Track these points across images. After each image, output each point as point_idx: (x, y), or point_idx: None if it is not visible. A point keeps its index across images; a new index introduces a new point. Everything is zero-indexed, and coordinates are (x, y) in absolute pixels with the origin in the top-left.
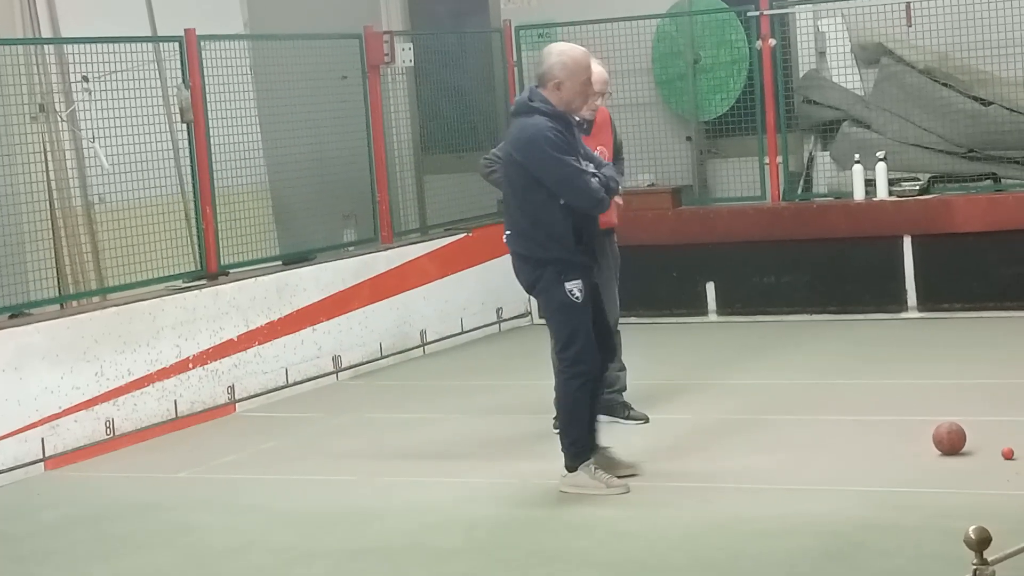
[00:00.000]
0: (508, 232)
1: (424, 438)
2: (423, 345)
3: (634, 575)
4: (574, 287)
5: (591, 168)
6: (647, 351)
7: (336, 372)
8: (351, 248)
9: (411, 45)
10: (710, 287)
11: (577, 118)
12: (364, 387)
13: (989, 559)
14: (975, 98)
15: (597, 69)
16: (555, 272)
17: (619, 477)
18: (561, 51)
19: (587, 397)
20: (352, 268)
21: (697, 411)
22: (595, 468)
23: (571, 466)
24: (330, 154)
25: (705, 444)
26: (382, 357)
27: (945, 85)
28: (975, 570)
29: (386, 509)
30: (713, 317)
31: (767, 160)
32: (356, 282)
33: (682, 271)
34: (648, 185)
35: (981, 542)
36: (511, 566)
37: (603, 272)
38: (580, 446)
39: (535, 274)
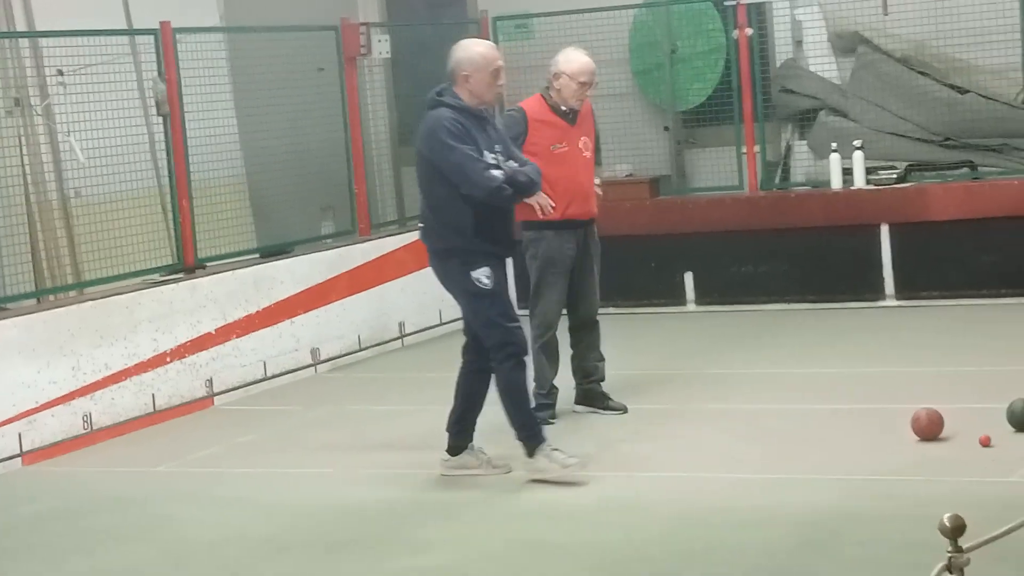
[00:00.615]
0: (421, 226)
1: (403, 430)
2: (401, 337)
3: (612, 566)
4: (480, 275)
5: (497, 160)
6: (626, 341)
7: (314, 365)
8: (329, 240)
9: (388, 36)
10: (688, 277)
11: (564, 108)
12: (343, 379)
13: (964, 547)
14: (952, 86)
15: (584, 60)
16: (459, 263)
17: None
18: (467, 46)
19: (521, 380)
20: (330, 260)
21: (675, 401)
22: (551, 450)
23: (530, 452)
24: (307, 146)
25: (683, 434)
26: (360, 349)
27: (922, 73)
28: (950, 558)
29: (365, 501)
30: (691, 307)
31: (745, 150)
32: (334, 274)
33: (660, 261)
34: (626, 175)
35: (956, 530)
36: (492, 557)
37: (583, 263)
38: (530, 430)
39: (443, 267)
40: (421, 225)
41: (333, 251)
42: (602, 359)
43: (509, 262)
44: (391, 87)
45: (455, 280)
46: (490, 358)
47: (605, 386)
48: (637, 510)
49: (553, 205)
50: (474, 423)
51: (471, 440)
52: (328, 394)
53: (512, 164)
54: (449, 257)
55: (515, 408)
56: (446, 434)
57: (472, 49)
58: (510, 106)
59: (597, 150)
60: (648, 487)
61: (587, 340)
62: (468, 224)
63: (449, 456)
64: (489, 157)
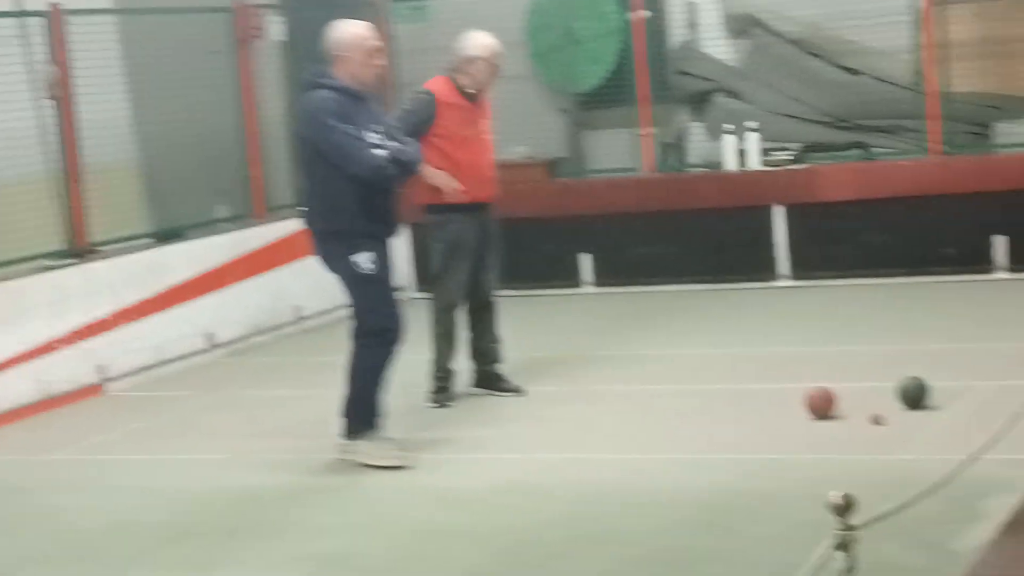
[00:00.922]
0: (304, 209)
1: (299, 415)
2: (298, 321)
3: (509, 549)
4: (364, 259)
5: (381, 140)
6: (523, 324)
7: (210, 349)
8: (224, 224)
9: (283, 19)
10: (586, 258)
11: (470, 91)
12: (238, 364)
13: (854, 524)
14: (844, 68)
15: (496, 42)
16: (343, 245)
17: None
18: (340, 27)
19: (387, 367)
20: (225, 244)
21: (573, 383)
22: (380, 439)
23: (356, 433)
24: (202, 130)
25: (580, 416)
26: (257, 334)
27: (815, 55)
28: (840, 536)
29: (262, 487)
30: (589, 288)
31: (641, 132)
32: (229, 258)
33: (558, 243)
34: (523, 157)
35: (845, 508)
36: (389, 542)
37: (483, 245)
38: (369, 415)
39: (326, 249)
40: (305, 209)
41: (228, 235)
42: (499, 341)
43: (405, 245)
44: (286, 70)
45: (338, 263)
46: (358, 337)
47: (502, 368)
48: (535, 493)
49: (462, 188)
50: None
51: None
52: (224, 379)
53: (394, 144)
54: (333, 240)
55: (366, 389)
56: (341, 419)
57: (346, 30)
58: (417, 87)
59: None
60: (545, 469)
61: (484, 322)
62: (351, 206)
63: (346, 440)
64: (372, 137)
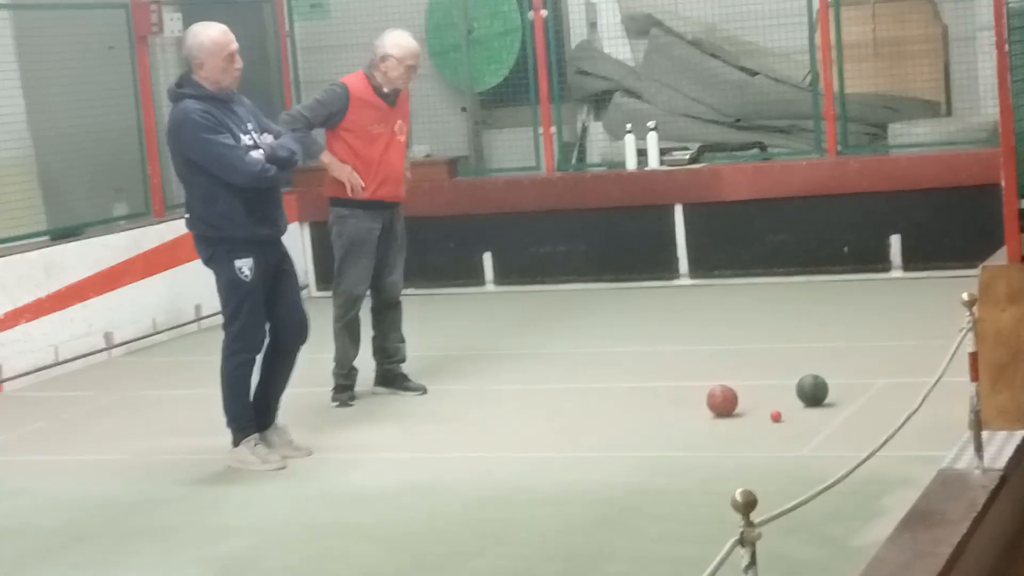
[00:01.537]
0: (186, 215)
1: (199, 415)
2: (198, 320)
3: (411, 547)
4: (243, 265)
5: (253, 142)
6: (425, 323)
7: (108, 349)
8: (122, 222)
9: (180, 14)
10: (487, 257)
11: (386, 90)
12: (137, 364)
13: (755, 521)
14: (742, 69)
15: (412, 43)
16: (224, 250)
17: (284, 456)
18: (197, 32)
19: (247, 374)
20: (123, 243)
21: (474, 382)
22: (255, 443)
23: (234, 441)
24: (99, 126)
25: (482, 414)
26: (155, 333)
27: (713, 56)
28: (741, 533)
29: (160, 489)
30: (491, 287)
31: (541, 131)
32: (127, 257)
33: (459, 242)
34: (424, 156)
35: (747, 505)
36: (290, 542)
37: (389, 245)
38: (241, 422)
39: (208, 252)
40: (187, 215)
41: (126, 233)
42: (403, 340)
43: (306, 243)
44: (185, 66)
45: (218, 266)
46: (223, 345)
47: (405, 367)
48: (437, 491)
49: (363, 185)
50: (276, 403)
51: (274, 420)
52: (122, 379)
53: (268, 138)
54: (215, 244)
55: (233, 398)
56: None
57: (201, 35)
58: (332, 81)
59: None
60: (448, 468)
61: (389, 321)
62: (233, 211)
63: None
64: (245, 139)
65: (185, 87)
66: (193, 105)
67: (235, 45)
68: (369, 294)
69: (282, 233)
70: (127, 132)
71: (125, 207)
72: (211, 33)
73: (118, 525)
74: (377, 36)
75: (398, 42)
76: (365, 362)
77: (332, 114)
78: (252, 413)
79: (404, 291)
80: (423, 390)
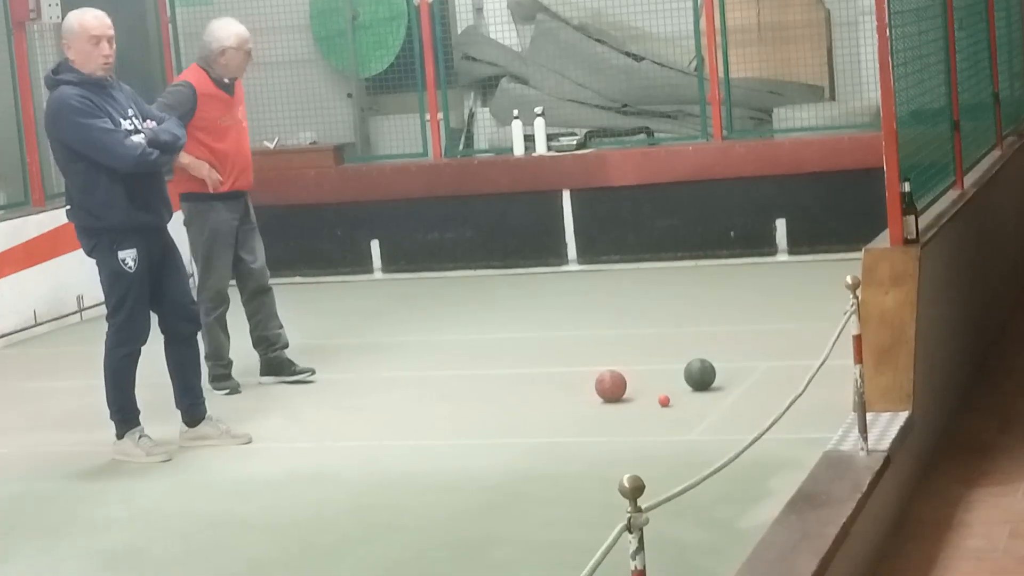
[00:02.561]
0: (67, 206)
1: (82, 407)
2: (80, 311)
3: (300, 535)
4: (127, 256)
5: (134, 127)
6: (312, 310)
7: None
8: (1, 212)
9: (59, 0)
10: (375, 244)
11: (226, 80)
12: (17, 356)
13: (643, 506)
14: (628, 54)
15: (243, 28)
16: (108, 241)
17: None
18: (70, 15)
19: (131, 366)
20: (2, 232)
21: (362, 369)
22: (139, 436)
23: (120, 434)
24: None
25: (369, 402)
26: (36, 324)
27: (599, 41)
28: (629, 518)
29: (42, 482)
30: (378, 275)
31: (428, 117)
32: (7, 247)
33: (346, 229)
34: (310, 143)
35: (634, 491)
36: (176, 533)
37: (248, 233)
38: (125, 414)
39: (91, 243)
40: (67, 206)
41: (5, 223)
42: (281, 326)
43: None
44: (62, 53)
45: (101, 256)
46: (108, 335)
47: (289, 352)
48: (325, 480)
49: (221, 180)
50: (199, 393)
51: (204, 412)
52: (1, 371)
53: (151, 124)
54: (98, 234)
55: (116, 390)
56: (178, 410)
57: (72, 18)
58: (172, 84)
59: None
60: (335, 456)
61: (265, 309)
62: (114, 198)
63: (187, 428)
64: (125, 124)
65: (62, 73)
66: (69, 91)
67: (103, 31)
68: (237, 287)
69: (166, 221)
70: (5, 120)
71: (3, 196)
72: (83, 17)
73: (0, 519)
74: (207, 30)
75: (233, 31)
76: (248, 352)
77: (184, 115)
78: (136, 405)
79: (291, 279)
80: (312, 371)
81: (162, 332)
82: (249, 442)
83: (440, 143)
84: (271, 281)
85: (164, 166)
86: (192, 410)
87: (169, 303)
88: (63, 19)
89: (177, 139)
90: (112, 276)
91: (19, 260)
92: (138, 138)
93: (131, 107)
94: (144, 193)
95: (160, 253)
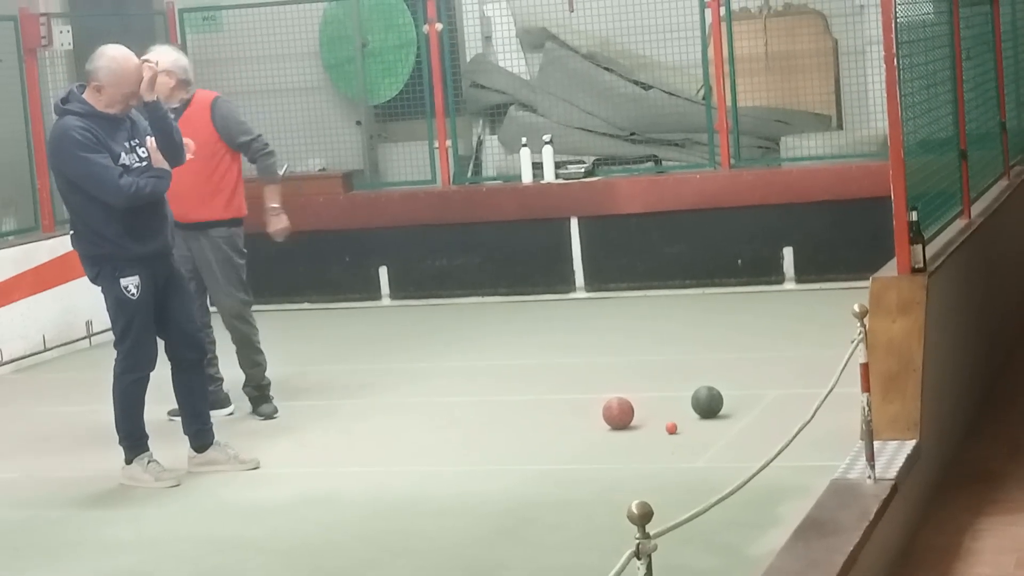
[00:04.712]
0: (71, 232)
1: (90, 431)
2: (89, 336)
3: (308, 559)
4: (129, 283)
5: (134, 161)
6: (321, 336)
7: None
8: (11, 237)
9: (70, 27)
10: (383, 271)
11: (175, 106)
12: (26, 381)
13: (651, 533)
14: (636, 82)
15: (174, 57)
16: (111, 268)
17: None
18: (113, 57)
19: (140, 392)
20: (12, 258)
21: (371, 395)
22: (148, 461)
23: (127, 459)
24: None
25: (380, 428)
26: (46, 349)
27: (607, 69)
28: (638, 544)
29: (51, 505)
30: (387, 301)
31: (437, 144)
32: (17, 272)
33: (354, 255)
34: (319, 170)
35: (643, 517)
36: (184, 556)
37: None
38: (133, 439)
39: (94, 270)
40: (71, 232)
41: (16, 248)
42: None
43: None
44: (74, 79)
45: (105, 284)
46: (116, 362)
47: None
48: (333, 504)
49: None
50: (207, 420)
51: (212, 438)
52: (11, 396)
53: (143, 159)
54: (101, 262)
55: (125, 416)
56: (185, 436)
57: (118, 62)
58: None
59: (258, 152)
60: (344, 481)
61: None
62: (116, 228)
63: (196, 453)
64: (124, 159)
65: (71, 103)
66: (73, 122)
67: (142, 78)
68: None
69: (169, 248)
70: (16, 145)
71: (14, 222)
72: (128, 65)
73: (9, 543)
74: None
75: (171, 59)
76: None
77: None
78: (144, 430)
79: (299, 305)
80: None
81: (168, 359)
82: (257, 467)
83: (449, 170)
84: (281, 307)
85: (159, 196)
86: (200, 436)
87: (174, 330)
88: (98, 52)
89: (167, 173)
90: (116, 303)
91: (29, 285)
92: (133, 175)
93: (136, 138)
94: (145, 221)
95: (164, 279)
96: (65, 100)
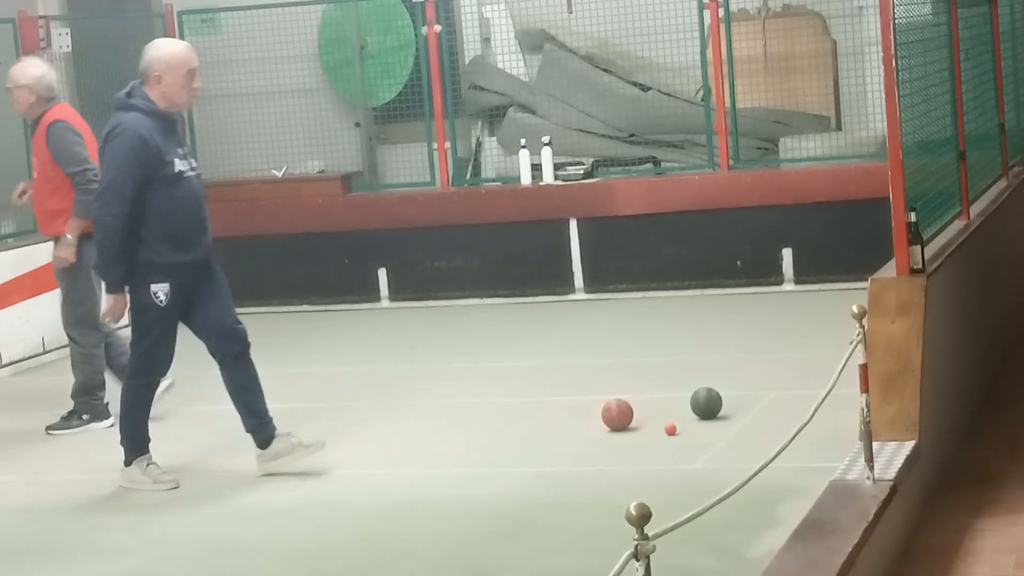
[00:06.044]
0: None
1: (92, 434)
2: None
3: (309, 561)
4: (159, 289)
5: (187, 167)
6: (322, 339)
7: None
8: (10, 240)
9: (68, 30)
10: (382, 273)
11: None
12: (25, 383)
13: (650, 534)
14: (635, 83)
15: (40, 72)
16: (142, 273)
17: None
18: (159, 45)
19: (147, 396)
20: (11, 260)
21: (370, 398)
22: (147, 464)
23: (127, 460)
24: None
25: (378, 430)
26: (45, 352)
27: (606, 71)
28: (636, 545)
29: (52, 508)
30: (386, 303)
31: (436, 145)
32: (16, 275)
33: (353, 257)
34: (318, 171)
35: (641, 518)
36: (185, 559)
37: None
38: (134, 441)
39: (127, 273)
40: None
41: (15, 251)
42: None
43: None
44: (73, 82)
45: (134, 286)
46: (129, 363)
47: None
48: (334, 507)
49: None
50: (265, 413)
51: (274, 428)
52: (11, 399)
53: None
54: (133, 266)
55: (129, 418)
56: (249, 434)
57: (167, 48)
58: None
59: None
60: (344, 483)
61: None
62: (155, 233)
63: (260, 450)
64: (179, 164)
65: (135, 97)
66: (144, 121)
67: (197, 63)
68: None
69: (208, 259)
70: (15, 149)
71: (12, 224)
72: (176, 48)
73: (7, 546)
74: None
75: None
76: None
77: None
78: (147, 433)
79: (299, 307)
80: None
81: (212, 357)
82: (323, 446)
83: (447, 172)
84: (280, 309)
85: (105, 225)
86: (260, 431)
87: (214, 326)
88: (147, 47)
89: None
90: (141, 307)
91: (27, 288)
92: (191, 175)
93: (184, 146)
94: (185, 231)
95: (196, 285)
96: (129, 94)
